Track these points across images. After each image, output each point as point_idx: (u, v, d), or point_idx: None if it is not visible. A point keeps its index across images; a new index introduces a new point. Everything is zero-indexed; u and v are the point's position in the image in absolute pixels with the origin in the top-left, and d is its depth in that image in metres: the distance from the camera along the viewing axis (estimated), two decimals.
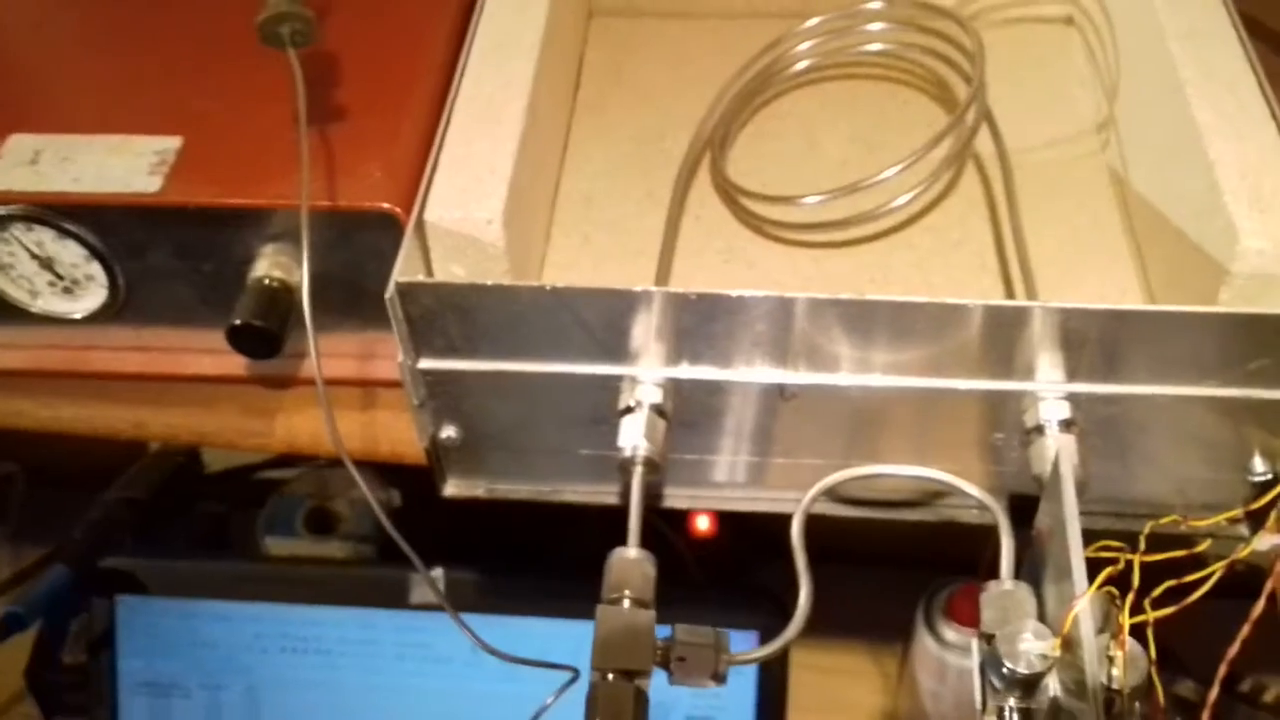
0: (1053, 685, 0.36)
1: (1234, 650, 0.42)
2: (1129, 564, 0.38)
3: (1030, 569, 0.40)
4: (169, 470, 0.79)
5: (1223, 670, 0.43)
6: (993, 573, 0.40)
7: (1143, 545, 0.38)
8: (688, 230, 0.52)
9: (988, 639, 0.37)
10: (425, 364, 0.42)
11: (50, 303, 0.48)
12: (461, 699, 0.67)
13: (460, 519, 0.48)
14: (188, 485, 0.81)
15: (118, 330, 0.49)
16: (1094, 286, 0.49)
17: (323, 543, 0.77)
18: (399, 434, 0.48)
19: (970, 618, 0.65)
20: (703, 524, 0.76)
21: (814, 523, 0.41)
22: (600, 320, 0.40)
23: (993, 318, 0.39)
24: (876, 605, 0.73)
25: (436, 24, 0.51)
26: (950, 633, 0.67)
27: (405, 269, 0.40)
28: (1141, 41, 0.51)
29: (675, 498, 0.47)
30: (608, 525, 0.44)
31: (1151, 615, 0.38)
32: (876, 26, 0.58)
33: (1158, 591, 0.38)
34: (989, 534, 0.41)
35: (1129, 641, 0.35)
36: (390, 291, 0.39)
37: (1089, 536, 0.39)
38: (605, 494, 0.46)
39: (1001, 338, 0.39)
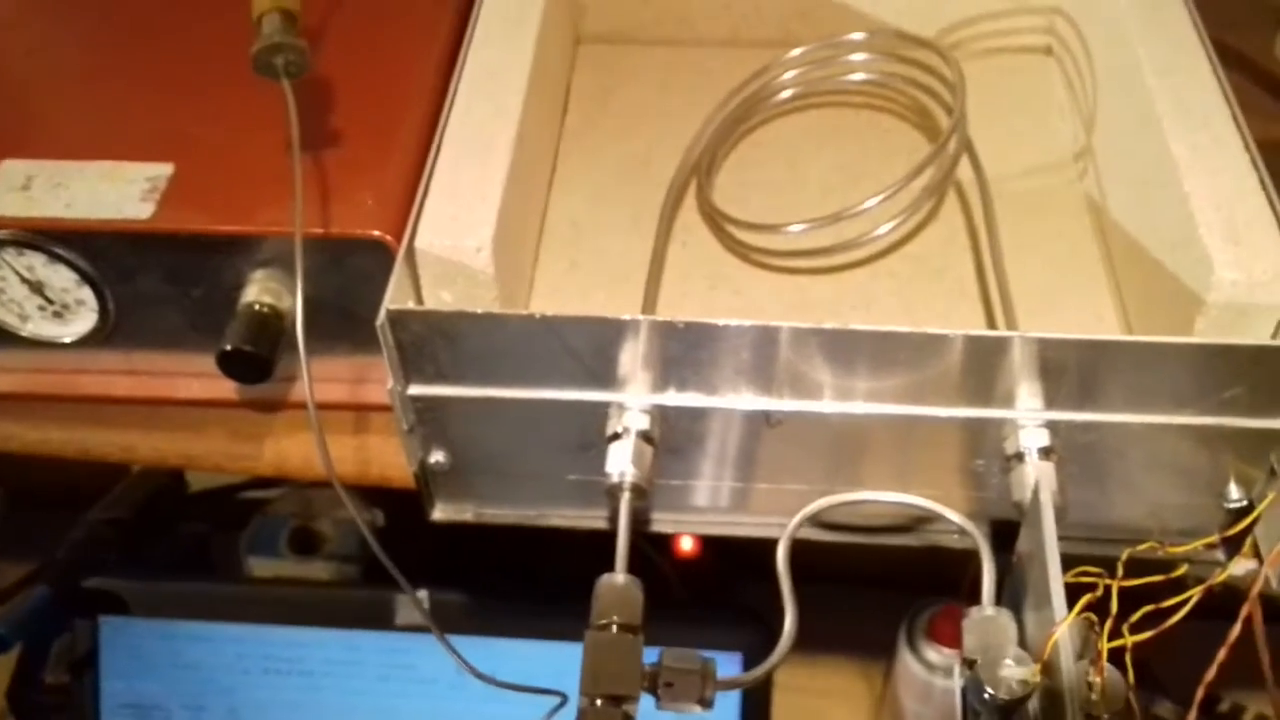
0: (1034, 710, 0.36)
1: (1211, 673, 0.43)
2: (1107, 589, 0.39)
3: (1011, 594, 0.41)
4: (152, 490, 0.79)
5: (1200, 693, 0.44)
6: (974, 594, 0.40)
7: (1121, 571, 0.39)
8: (674, 256, 0.53)
9: (970, 664, 0.38)
10: (415, 390, 0.42)
11: (40, 327, 0.48)
12: None
13: (444, 540, 0.48)
14: (171, 505, 0.81)
15: (107, 354, 0.49)
16: (1072, 313, 0.50)
17: (306, 563, 0.77)
18: (388, 458, 0.48)
19: (952, 638, 0.66)
20: (686, 544, 0.76)
21: (798, 544, 0.41)
22: (588, 348, 0.41)
23: (973, 347, 0.40)
24: (860, 626, 0.74)
25: (427, 52, 0.52)
26: (932, 653, 0.67)
27: (396, 296, 0.41)
28: (1118, 74, 0.52)
29: (661, 522, 0.47)
30: (591, 547, 0.45)
31: (1129, 640, 0.38)
32: (859, 56, 0.59)
33: (1136, 616, 0.39)
34: (971, 556, 0.42)
35: (1107, 667, 0.36)
36: (381, 319, 0.40)
37: (1068, 561, 0.40)
38: (591, 519, 0.47)
39: (982, 366, 0.40)
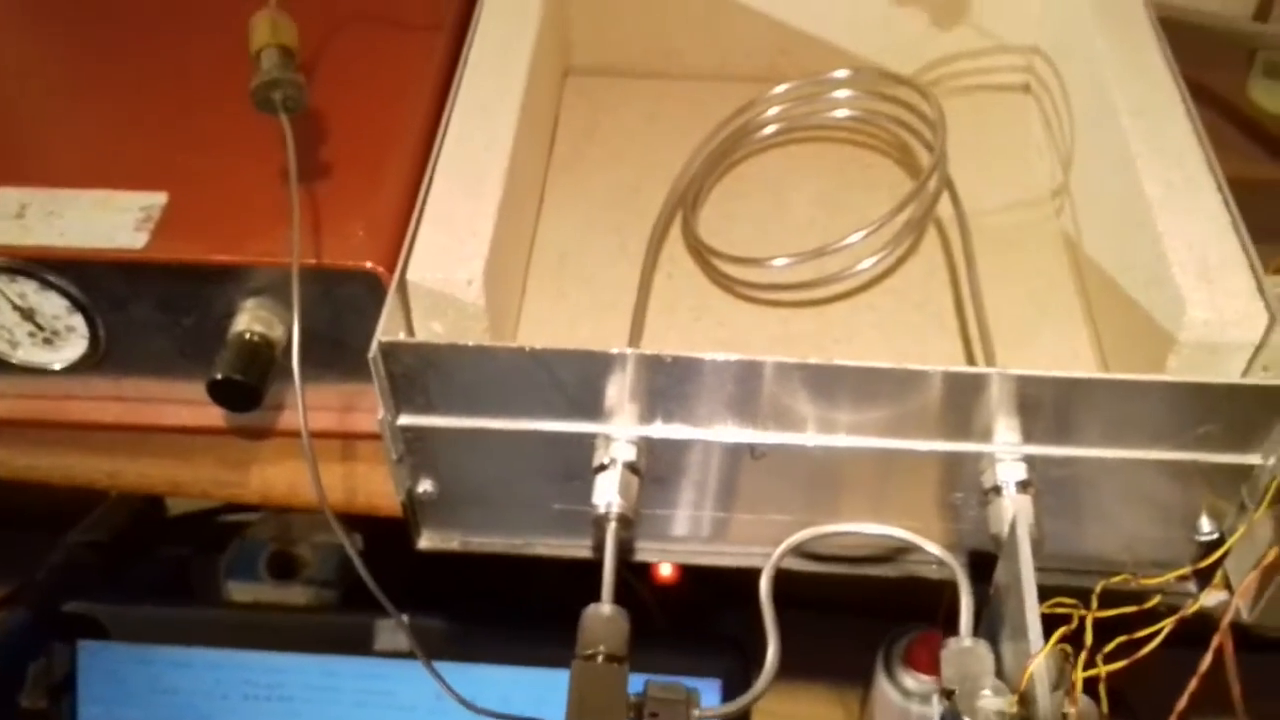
0: None
1: (1183, 703, 0.44)
2: (1082, 620, 0.39)
3: (989, 625, 0.42)
4: (131, 514, 0.79)
5: None
6: (951, 621, 0.41)
7: (1095, 604, 0.40)
8: (660, 287, 0.54)
9: (948, 695, 0.38)
10: (405, 420, 0.43)
11: (30, 353, 0.48)
12: None
13: (423, 565, 0.48)
14: (150, 529, 0.80)
15: (97, 381, 0.49)
16: (1049, 348, 0.51)
17: (285, 587, 0.77)
18: (375, 486, 0.49)
19: (929, 665, 0.67)
20: (665, 571, 0.77)
21: (778, 573, 0.42)
22: (576, 380, 0.41)
23: (952, 383, 0.40)
24: (838, 652, 0.74)
25: (419, 84, 0.52)
26: (910, 680, 0.68)
27: (388, 328, 0.41)
28: (1094, 113, 0.53)
29: (646, 551, 0.48)
30: (570, 572, 0.45)
31: (1104, 669, 0.39)
32: (842, 93, 0.60)
33: (1110, 646, 0.40)
34: (948, 584, 0.42)
35: (1082, 698, 0.36)
36: (373, 351, 0.40)
37: (1044, 592, 0.41)
38: (577, 548, 0.47)
39: (960, 402, 0.41)
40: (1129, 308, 0.47)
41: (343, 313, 0.46)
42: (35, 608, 0.70)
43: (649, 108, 0.62)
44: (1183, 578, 0.45)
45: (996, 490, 0.42)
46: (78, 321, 0.47)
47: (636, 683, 0.38)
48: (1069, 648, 0.38)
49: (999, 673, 0.39)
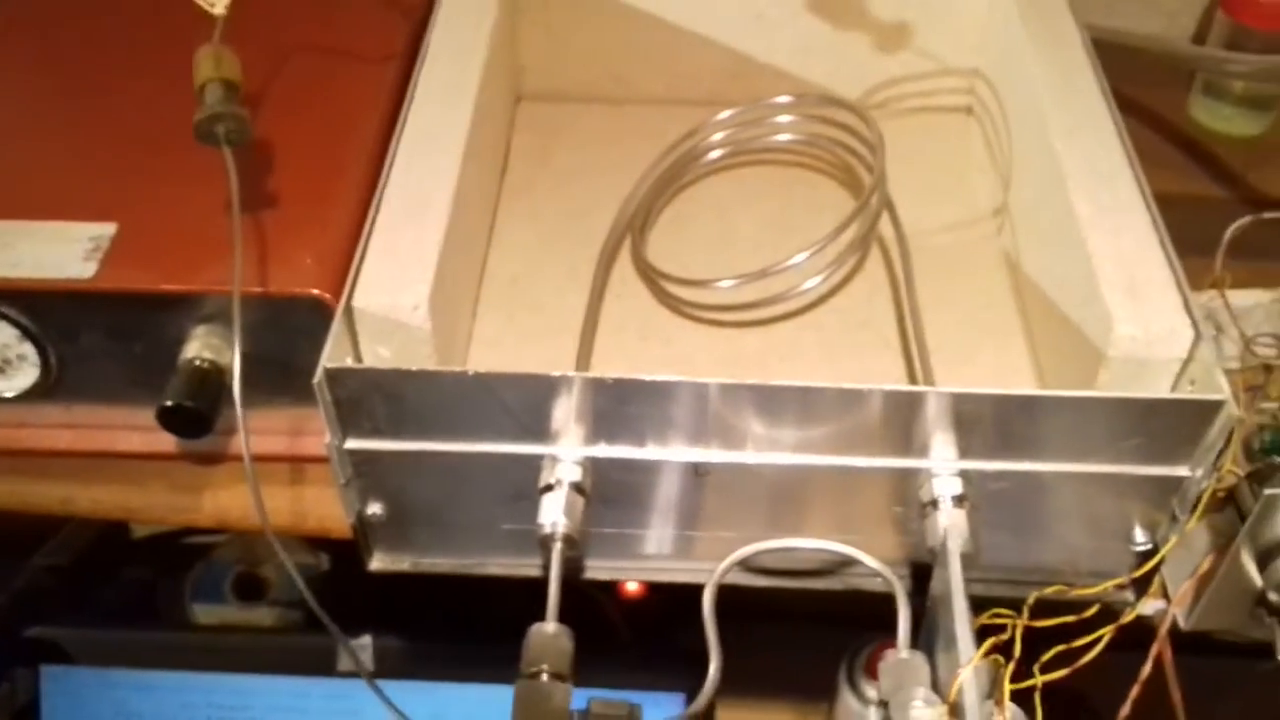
0: None
1: (1126, 709, 0.45)
2: (1016, 629, 0.40)
3: (926, 637, 0.42)
4: (94, 537, 0.79)
5: None
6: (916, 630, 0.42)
7: (1026, 614, 0.41)
8: (609, 309, 0.55)
9: (884, 705, 0.39)
10: (352, 444, 0.43)
11: None
12: None
13: (391, 584, 0.49)
14: (113, 552, 0.80)
15: (48, 408, 0.50)
16: (988, 365, 0.52)
17: (251, 609, 0.77)
18: (327, 509, 0.49)
19: None
20: (632, 586, 0.77)
21: (738, 585, 0.43)
22: (521, 403, 0.42)
23: (889, 401, 0.41)
24: (802, 662, 0.74)
25: (368, 114, 0.53)
26: (871, 690, 0.68)
27: (333, 354, 0.42)
28: (1031, 135, 0.55)
29: (596, 569, 0.48)
30: (538, 590, 0.46)
31: (1040, 679, 0.40)
32: (786, 118, 0.61)
33: (1048, 656, 0.41)
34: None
35: (1010, 707, 0.37)
36: (319, 376, 0.41)
37: (984, 603, 0.42)
38: (528, 567, 0.48)
39: (898, 419, 0.42)
40: (1063, 324, 0.49)
41: (292, 339, 0.46)
42: None
43: (600, 132, 0.63)
44: (1120, 587, 0.46)
45: (934, 504, 0.43)
46: (29, 350, 0.47)
47: (606, 697, 0.39)
48: (1001, 658, 0.39)
49: (934, 683, 0.40)
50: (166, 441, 0.49)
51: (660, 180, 0.59)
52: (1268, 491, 0.40)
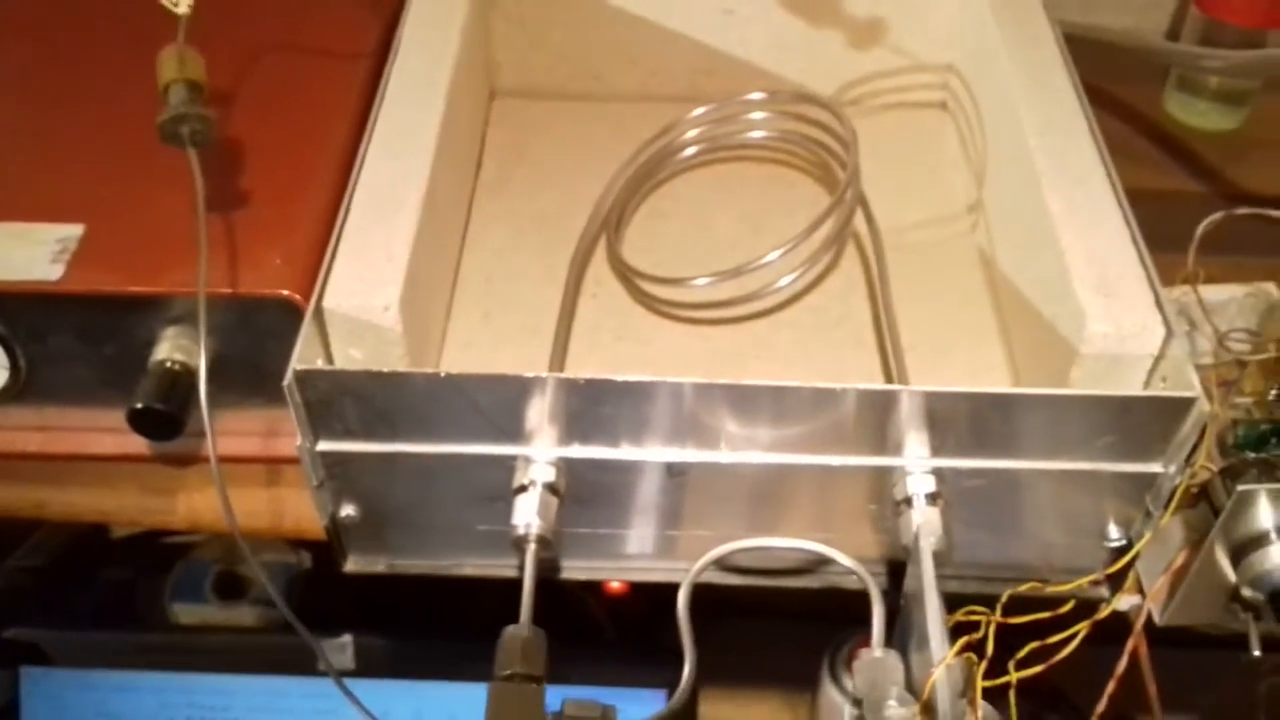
0: None
1: (1102, 705, 0.45)
2: (989, 627, 0.40)
3: (900, 634, 0.43)
4: (72, 537, 0.78)
5: None
6: (893, 627, 0.42)
7: (999, 612, 0.41)
8: (584, 308, 0.54)
9: (858, 704, 0.39)
10: (324, 446, 0.43)
11: None
12: None
13: (372, 583, 0.49)
14: (92, 552, 0.80)
15: (18, 411, 0.49)
16: (963, 362, 0.52)
17: (232, 608, 0.76)
18: (302, 510, 0.49)
19: None
20: (615, 582, 0.77)
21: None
22: (494, 404, 0.42)
23: (862, 400, 0.41)
24: (784, 657, 0.75)
25: (339, 113, 0.53)
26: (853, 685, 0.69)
27: (304, 355, 0.42)
28: (1004, 131, 0.55)
29: (572, 570, 0.48)
30: (518, 587, 0.45)
31: (1014, 676, 0.40)
32: (760, 114, 0.61)
33: (1022, 653, 0.41)
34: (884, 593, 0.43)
35: (983, 705, 0.37)
36: (289, 378, 0.41)
37: (959, 600, 0.42)
38: (503, 567, 0.48)
39: (872, 418, 0.42)
40: (1036, 321, 0.49)
41: (262, 340, 0.46)
42: None
43: (575, 129, 0.63)
44: (1095, 583, 0.46)
45: (907, 502, 0.43)
46: None
47: (585, 694, 0.39)
48: (974, 656, 0.39)
49: (908, 681, 0.40)
50: (138, 444, 0.49)
51: (635, 178, 0.59)
52: (1240, 487, 0.40)
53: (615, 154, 0.60)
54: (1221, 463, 0.43)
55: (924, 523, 0.42)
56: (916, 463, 0.43)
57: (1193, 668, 0.52)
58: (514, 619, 0.41)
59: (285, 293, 0.44)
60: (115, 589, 0.80)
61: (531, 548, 0.43)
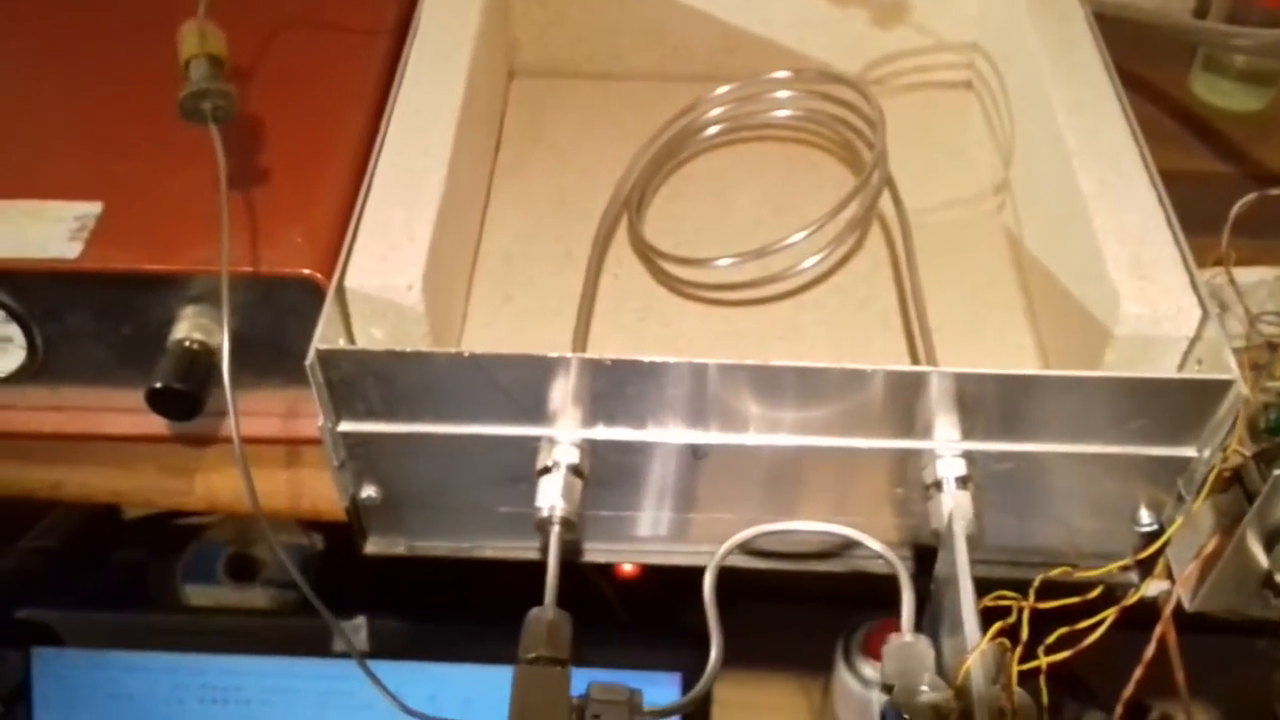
0: None
1: (1129, 690, 0.45)
2: (1021, 612, 0.40)
3: (930, 619, 0.42)
4: (84, 518, 0.78)
5: (1120, 709, 0.45)
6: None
7: (1032, 597, 0.40)
8: (605, 289, 0.54)
9: (888, 689, 0.39)
10: (345, 427, 0.43)
11: None
12: None
13: (387, 564, 0.48)
14: (105, 533, 0.80)
15: (35, 390, 0.49)
16: (991, 343, 0.51)
17: (244, 589, 0.76)
18: (320, 491, 0.48)
19: None
20: (628, 565, 0.77)
21: (733, 566, 0.42)
22: (517, 384, 0.41)
23: (891, 382, 0.41)
24: (798, 641, 0.75)
25: (358, 91, 0.52)
26: (868, 669, 0.69)
27: (325, 335, 0.41)
28: (1032, 111, 0.54)
29: (594, 552, 0.48)
30: (536, 570, 0.45)
31: (1044, 661, 0.40)
32: (784, 93, 0.60)
33: (1052, 638, 0.40)
34: None
35: (1019, 691, 0.37)
36: (310, 358, 0.40)
37: (987, 585, 0.41)
38: (524, 549, 0.47)
39: (901, 400, 0.41)
40: (1067, 303, 0.48)
41: (283, 319, 0.45)
42: None
43: (595, 109, 0.62)
44: (1125, 568, 0.46)
45: (937, 486, 0.43)
46: (14, 332, 0.46)
47: (600, 677, 0.38)
48: (1007, 641, 0.39)
49: (939, 667, 0.39)
50: (156, 424, 0.48)
51: (657, 157, 0.58)
52: (1277, 471, 0.40)
53: (636, 134, 0.59)
54: (1254, 447, 0.42)
55: (956, 507, 0.41)
56: (947, 446, 0.43)
57: (1210, 653, 0.51)
58: (529, 601, 0.40)
59: (307, 272, 0.44)
60: (127, 570, 0.80)
61: (555, 530, 0.42)
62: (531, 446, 0.43)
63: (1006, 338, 0.52)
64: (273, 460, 0.49)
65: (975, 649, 0.37)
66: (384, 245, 0.44)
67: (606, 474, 0.44)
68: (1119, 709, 0.45)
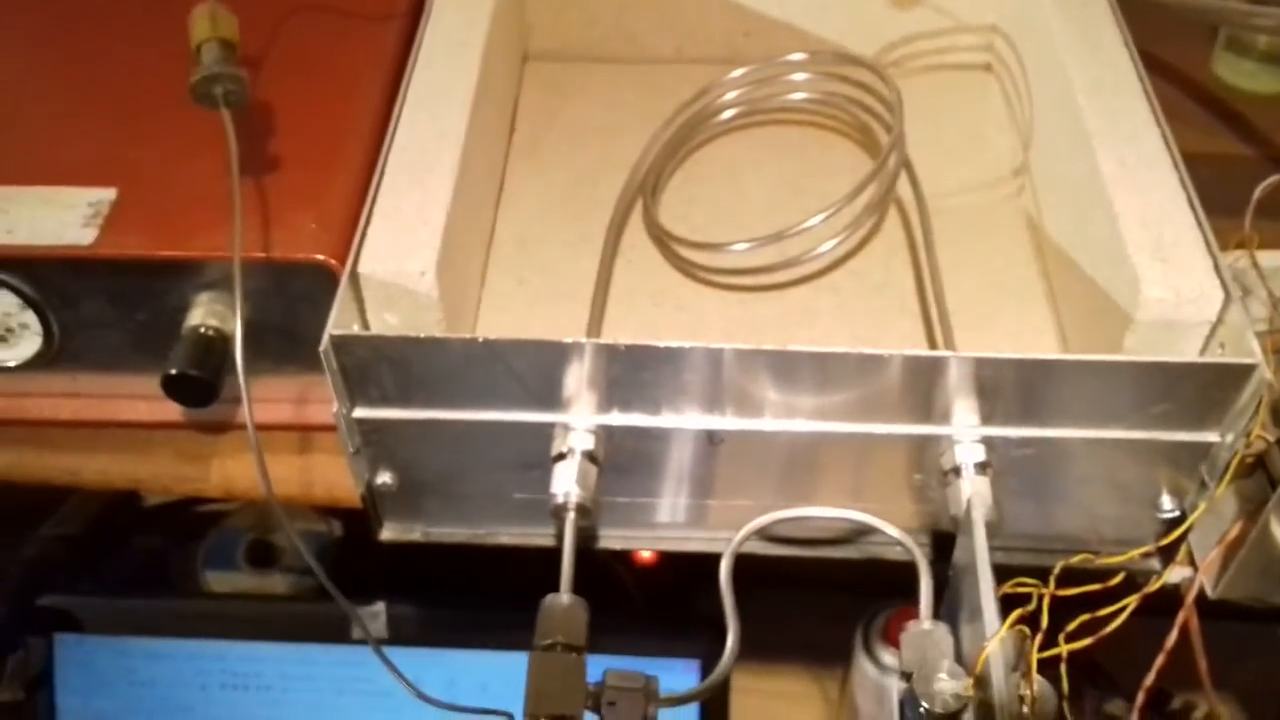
0: None
1: (1151, 678, 0.44)
2: (1041, 599, 0.39)
3: (949, 606, 0.42)
4: (105, 505, 0.79)
5: (1141, 697, 0.45)
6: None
7: (1053, 584, 0.40)
8: (620, 273, 0.54)
9: (907, 677, 0.38)
10: (360, 413, 0.43)
11: None
12: None
13: (404, 550, 0.48)
14: (125, 520, 0.80)
15: (52, 377, 0.49)
16: (1010, 328, 0.51)
17: (264, 576, 0.77)
18: (335, 478, 0.48)
19: None
20: (645, 552, 0.77)
21: (751, 553, 0.42)
22: (532, 370, 0.41)
23: (909, 366, 0.40)
24: (818, 629, 0.74)
25: (370, 75, 0.52)
26: (888, 657, 0.68)
27: (339, 320, 0.41)
28: (1052, 91, 0.53)
29: (609, 539, 0.48)
30: (552, 556, 0.45)
31: (1065, 648, 0.39)
32: (800, 76, 0.60)
33: (1073, 625, 0.40)
34: None
35: (1038, 679, 0.37)
36: (325, 344, 0.40)
37: (1007, 572, 0.41)
38: (539, 536, 0.47)
39: (919, 385, 0.41)
40: (1087, 286, 0.47)
41: (297, 305, 0.45)
42: (9, 602, 0.70)
43: (609, 92, 0.62)
44: (1146, 555, 0.45)
45: (956, 471, 0.42)
46: (30, 319, 0.46)
47: (617, 664, 0.38)
48: (1027, 629, 0.38)
49: (958, 654, 0.39)
50: (172, 410, 0.48)
51: (672, 141, 0.58)
52: None
53: (650, 117, 0.59)
54: (1277, 432, 0.42)
55: (975, 493, 0.41)
56: (965, 431, 0.42)
57: (1232, 641, 0.51)
58: (545, 587, 0.40)
59: (320, 257, 0.43)
60: (148, 557, 0.80)
61: (571, 516, 0.42)
62: (546, 433, 0.43)
63: (1025, 322, 0.51)
64: (287, 446, 0.49)
65: (994, 636, 0.36)
66: (397, 230, 0.44)
67: (622, 460, 0.44)
68: (1140, 697, 0.45)
